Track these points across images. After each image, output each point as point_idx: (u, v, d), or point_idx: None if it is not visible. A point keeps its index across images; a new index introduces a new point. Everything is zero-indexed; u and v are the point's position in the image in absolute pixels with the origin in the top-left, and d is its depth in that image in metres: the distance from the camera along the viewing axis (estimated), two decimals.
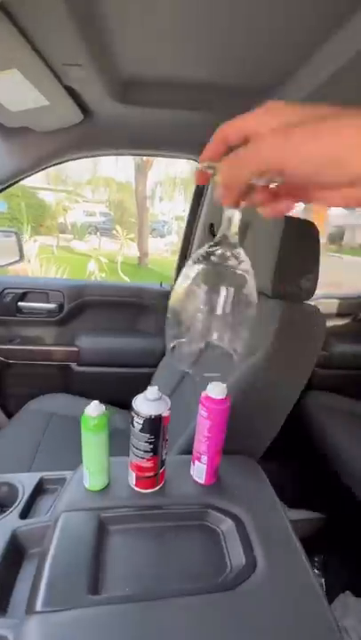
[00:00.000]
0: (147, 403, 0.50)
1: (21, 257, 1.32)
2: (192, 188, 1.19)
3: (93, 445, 0.52)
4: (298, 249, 0.71)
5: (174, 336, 0.30)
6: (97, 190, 11.30)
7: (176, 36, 0.55)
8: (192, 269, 0.28)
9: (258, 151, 0.22)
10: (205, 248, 0.27)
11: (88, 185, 11.34)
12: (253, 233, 0.89)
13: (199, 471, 0.57)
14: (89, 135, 0.84)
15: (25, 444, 0.91)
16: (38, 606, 0.39)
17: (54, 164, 0.93)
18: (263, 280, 0.77)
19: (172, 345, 0.31)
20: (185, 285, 0.28)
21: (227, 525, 0.52)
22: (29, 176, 0.95)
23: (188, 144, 0.95)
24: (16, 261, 1.32)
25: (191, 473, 0.59)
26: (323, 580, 0.97)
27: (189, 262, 0.28)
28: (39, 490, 0.59)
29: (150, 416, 0.50)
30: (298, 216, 0.72)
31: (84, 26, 0.50)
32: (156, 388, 0.51)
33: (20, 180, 0.95)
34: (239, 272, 0.27)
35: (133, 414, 0.51)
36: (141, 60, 0.62)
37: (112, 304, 1.26)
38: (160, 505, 0.54)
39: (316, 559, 1.04)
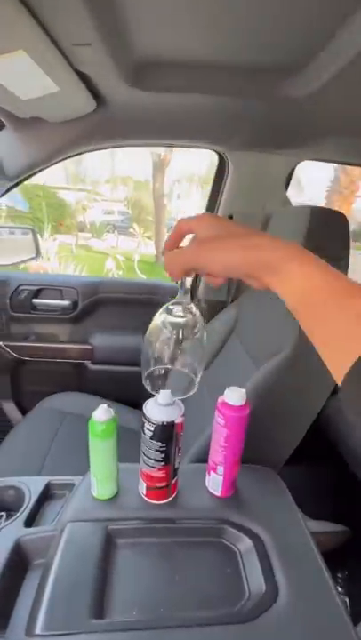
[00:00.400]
0: (158, 408, 0.46)
1: (38, 254, 1.31)
2: (210, 186, 1.14)
3: (101, 452, 0.48)
4: (324, 241, 0.65)
5: (146, 365, 0.41)
6: (115, 189, 11.40)
7: (194, 14, 0.50)
8: (160, 318, 0.39)
9: (183, 255, 0.33)
10: (169, 305, 0.39)
11: (106, 184, 11.45)
12: (275, 226, 0.83)
13: (215, 482, 0.53)
14: (103, 124, 0.81)
15: (36, 443, 0.89)
16: (38, 629, 0.36)
17: (69, 157, 0.91)
18: None
19: (146, 373, 0.42)
20: (155, 329, 0.39)
21: (245, 544, 0.47)
22: (44, 169, 0.93)
23: (210, 132, 0.89)
24: (32, 258, 1.31)
25: (206, 484, 0.55)
26: (347, 599, 0.90)
27: (159, 312, 0.39)
28: (46, 495, 0.56)
29: (162, 423, 0.46)
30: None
31: (95, 2, 0.46)
32: (169, 391, 0.47)
33: (34, 174, 0.93)
34: (192, 321, 0.38)
35: (144, 420, 0.47)
36: (157, 40, 0.58)
37: (127, 301, 1.23)
38: (172, 518, 0.50)
39: (339, 575, 0.97)
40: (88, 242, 8.72)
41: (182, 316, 0.38)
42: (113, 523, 0.48)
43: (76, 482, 0.57)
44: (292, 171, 1.01)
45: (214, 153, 1.02)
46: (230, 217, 1.04)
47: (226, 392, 0.49)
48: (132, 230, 8.30)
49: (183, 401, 0.50)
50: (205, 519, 0.50)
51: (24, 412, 1.23)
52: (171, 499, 0.52)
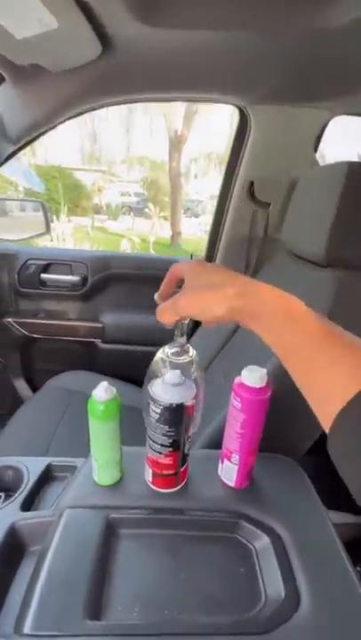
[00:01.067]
0: (166, 388, 0.41)
1: (48, 230, 1.26)
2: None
3: (101, 434, 0.43)
4: None
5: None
6: (131, 169, 11.18)
7: None
8: (159, 358, 0.41)
9: (172, 308, 0.34)
10: (166, 347, 0.41)
11: (122, 164, 11.25)
12: (302, 191, 0.73)
13: (229, 472, 0.47)
14: (110, 74, 0.72)
15: (43, 423, 0.86)
16: (27, 628, 0.32)
17: (73, 116, 0.83)
18: (313, 245, 0.62)
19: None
20: (155, 368, 0.42)
21: (262, 542, 0.42)
22: (46, 132, 0.85)
23: (229, 80, 0.77)
24: (42, 234, 1.26)
25: (219, 472, 0.49)
26: None
27: (159, 352, 0.42)
28: (47, 477, 0.52)
29: (170, 405, 0.40)
30: None
31: None
32: (178, 371, 0.41)
33: (36, 138, 0.86)
34: (188, 362, 0.41)
35: (150, 401, 0.41)
36: None
37: (139, 278, 1.17)
38: (181, 509, 0.45)
39: (358, 568, 0.92)
40: (104, 224, 8.69)
41: (180, 358, 0.40)
42: (115, 511, 0.44)
43: (78, 464, 0.53)
44: (324, 128, 0.89)
45: (235, 109, 0.91)
46: (251, 183, 0.94)
47: (244, 372, 0.43)
48: (147, 210, 8.15)
49: None
50: (218, 511, 0.45)
51: (35, 389, 1.21)
52: (179, 487, 0.47)
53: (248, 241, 1.00)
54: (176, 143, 7.48)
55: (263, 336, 0.29)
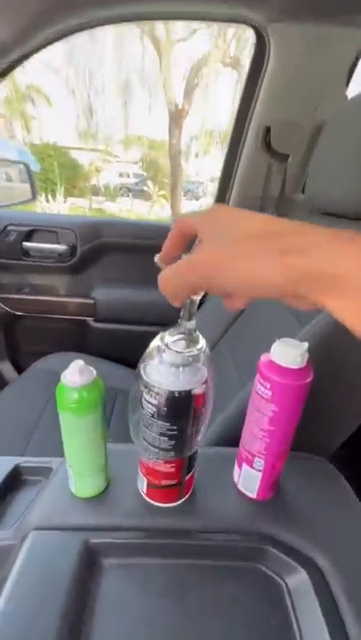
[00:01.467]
0: (165, 371, 0.28)
1: (34, 196, 1.13)
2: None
3: (76, 433, 0.31)
4: None
5: (135, 408, 0.33)
6: (129, 148, 10.78)
7: None
8: (155, 350, 0.29)
9: (186, 274, 0.22)
10: (166, 334, 0.29)
11: (120, 144, 10.86)
12: (332, 135, 0.59)
13: (249, 480, 0.36)
14: None
15: (24, 412, 0.75)
16: None
17: (51, 41, 0.67)
18: (349, 194, 0.50)
19: (134, 418, 0.35)
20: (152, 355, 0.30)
21: (297, 577, 0.31)
22: (18, 63, 0.70)
23: None
24: (28, 200, 1.13)
25: (235, 480, 0.38)
26: None
27: (154, 341, 0.30)
28: (14, 481, 0.41)
29: (173, 394, 0.28)
30: None
31: None
32: (182, 346, 0.29)
33: (6, 72, 0.71)
34: (195, 355, 0.29)
35: (142, 389, 0.29)
36: None
37: (135, 247, 1.03)
38: (185, 530, 0.34)
39: None
40: (102, 205, 8.45)
41: (184, 350, 0.29)
42: (97, 533, 0.33)
43: (54, 465, 0.41)
44: (358, 58, 0.74)
45: (250, 31, 0.74)
46: (267, 130, 0.79)
47: (275, 346, 0.31)
48: (145, 189, 7.88)
49: None
50: (235, 533, 0.34)
51: (21, 371, 1.10)
52: (182, 501, 0.35)
53: (261, 200, 0.86)
54: (176, 118, 7.14)
55: (345, 315, 0.18)
